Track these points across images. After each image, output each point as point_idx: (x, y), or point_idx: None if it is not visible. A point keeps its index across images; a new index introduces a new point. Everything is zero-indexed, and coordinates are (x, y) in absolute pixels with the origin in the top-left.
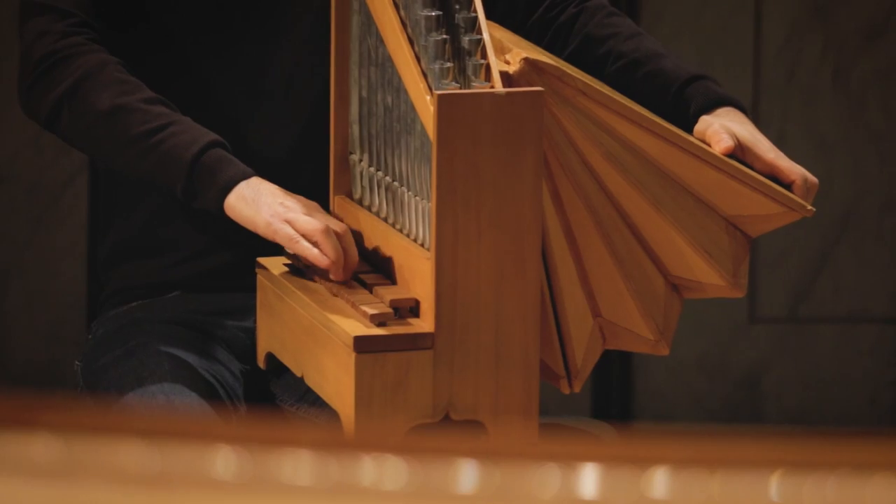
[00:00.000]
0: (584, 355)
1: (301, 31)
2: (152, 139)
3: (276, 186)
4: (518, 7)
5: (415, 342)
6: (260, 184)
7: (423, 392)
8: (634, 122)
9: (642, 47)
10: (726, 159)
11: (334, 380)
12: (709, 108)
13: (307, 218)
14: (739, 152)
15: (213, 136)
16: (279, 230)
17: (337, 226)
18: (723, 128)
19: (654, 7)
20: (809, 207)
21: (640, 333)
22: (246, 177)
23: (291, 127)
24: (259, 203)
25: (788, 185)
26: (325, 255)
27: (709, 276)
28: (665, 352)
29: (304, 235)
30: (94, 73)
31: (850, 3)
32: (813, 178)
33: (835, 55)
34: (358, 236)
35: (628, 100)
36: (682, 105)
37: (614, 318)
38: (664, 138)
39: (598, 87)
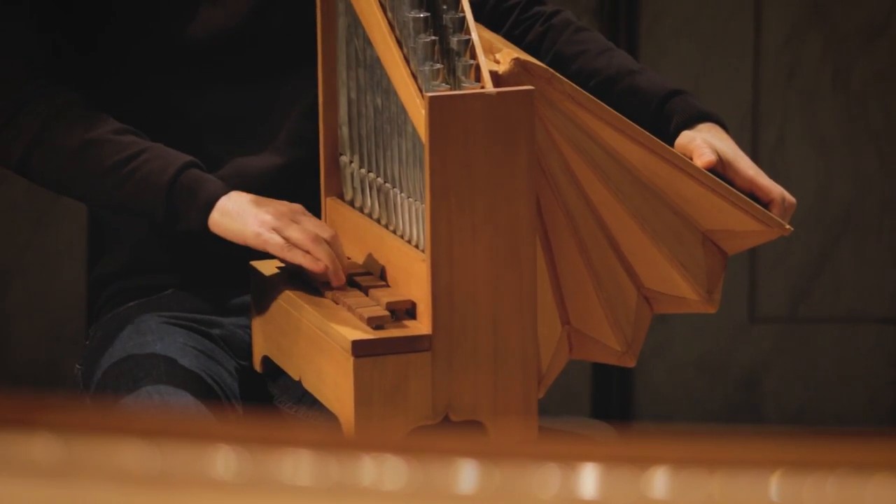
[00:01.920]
0: (551, 362)
1: (271, 47)
2: (126, 168)
3: (256, 196)
4: (481, 23)
5: (413, 344)
6: (241, 196)
7: (422, 394)
8: (619, 130)
9: (614, 63)
10: (707, 173)
11: (333, 384)
12: (690, 124)
13: (296, 226)
14: (720, 168)
15: (186, 157)
16: (269, 240)
17: (325, 232)
18: (705, 142)
19: (654, 7)
20: (787, 226)
21: (608, 344)
22: (225, 192)
23: (269, 146)
24: (244, 215)
25: (766, 204)
26: (319, 260)
27: (682, 289)
28: (631, 364)
29: (294, 244)
30: (60, 113)
31: (850, 3)
32: (791, 198)
33: (835, 55)
34: (351, 238)
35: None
36: (662, 121)
37: (583, 327)
38: (648, 148)
39: (585, 93)
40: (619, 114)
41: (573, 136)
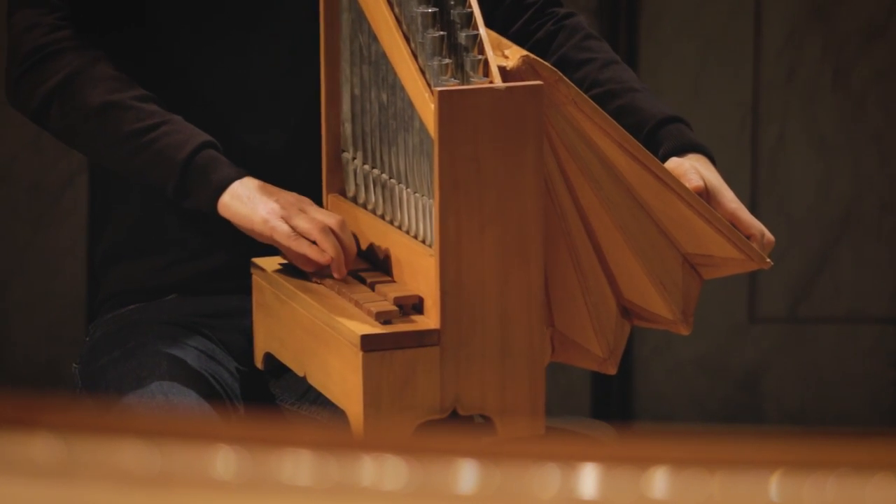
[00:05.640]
0: None
1: (289, 28)
2: (144, 138)
3: (267, 184)
4: (496, 19)
5: (421, 339)
6: (253, 182)
7: (430, 389)
8: (617, 143)
9: (617, 78)
10: (696, 196)
11: (340, 379)
12: (680, 151)
13: (304, 216)
14: (705, 197)
15: (205, 136)
16: (277, 227)
17: (333, 221)
18: (693, 169)
19: (654, 7)
20: (768, 260)
21: (591, 349)
22: (240, 176)
23: (282, 125)
24: (255, 201)
25: (746, 238)
26: (325, 251)
27: (658, 306)
28: (612, 371)
29: (301, 233)
30: (86, 68)
31: (850, 3)
32: (770, 237)
33: (835, 55)
34: (355, 234)
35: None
36: (653, 144)
37: (567, 330)
38: (643, 164)
39: (589, 100)
40: (619, 126)
41: (570, 141)
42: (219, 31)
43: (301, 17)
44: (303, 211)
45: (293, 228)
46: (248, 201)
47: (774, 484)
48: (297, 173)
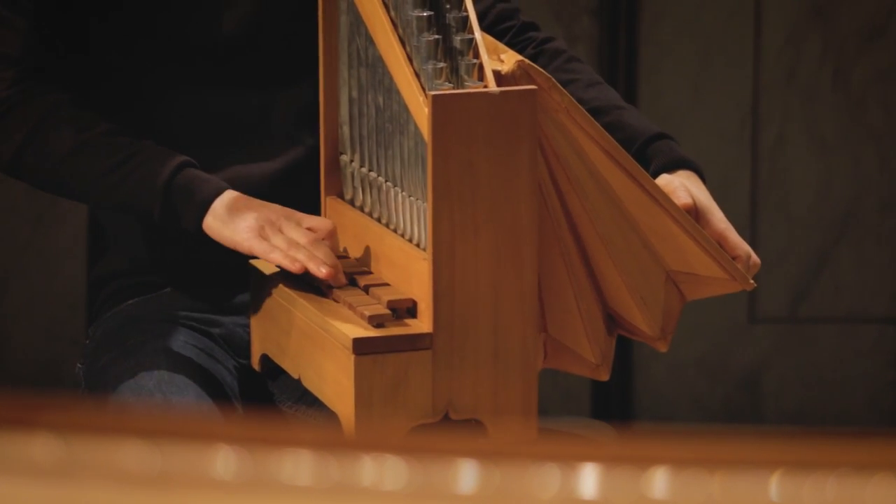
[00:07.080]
0: None
1: (264, 60)
2: (121, 170)
3: (247, 199)
4: None
5: (413, 343)
6: (232, 199)
7: (422, 392)
8: (607, 153)
9: (602, 97)
10: (684, 213)
11: (333, 382)
12: (670, 168)
13: (280, 236)
14: (693, 215)
15: (181, 157)
16: (255, 246)
17: (305, 239)
18: (683, 186)
19: (654, 7)
20: (752, 282)
21: (584, 355)
22: (219, 193)
23: (266, 157)
24: (235, 220)
25: (732, 259)
26: (296, 261)
27: (638, 321)
28: (605, 377)
29: (282, 251)
30: (51, 114)
31: (850, 3)
32: (756, 259)
33: (835, 55)
34: (351, 236)
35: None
36: (642, 161)
37: (560, 336)
38: (632, 177)
39: (582, 109)
40: (610, 137)
41: (560, 149)
42: (201, 56)
43: (286, 42)
44: (280, 230)
45: (274, 247)
46: (229, 222)
47: (774, 484)
48: (284, 195)
